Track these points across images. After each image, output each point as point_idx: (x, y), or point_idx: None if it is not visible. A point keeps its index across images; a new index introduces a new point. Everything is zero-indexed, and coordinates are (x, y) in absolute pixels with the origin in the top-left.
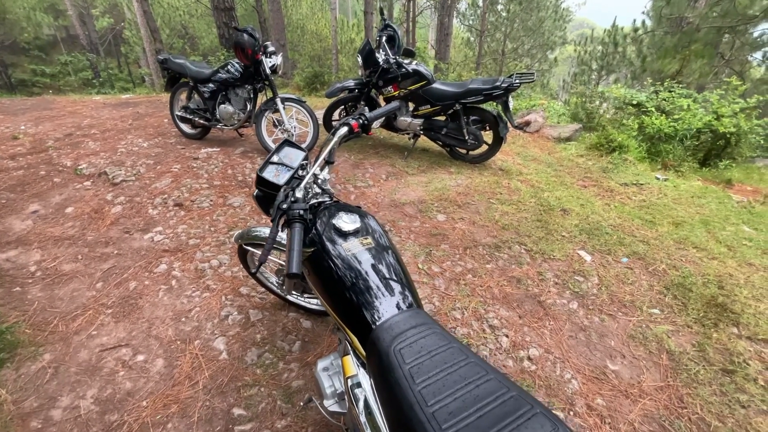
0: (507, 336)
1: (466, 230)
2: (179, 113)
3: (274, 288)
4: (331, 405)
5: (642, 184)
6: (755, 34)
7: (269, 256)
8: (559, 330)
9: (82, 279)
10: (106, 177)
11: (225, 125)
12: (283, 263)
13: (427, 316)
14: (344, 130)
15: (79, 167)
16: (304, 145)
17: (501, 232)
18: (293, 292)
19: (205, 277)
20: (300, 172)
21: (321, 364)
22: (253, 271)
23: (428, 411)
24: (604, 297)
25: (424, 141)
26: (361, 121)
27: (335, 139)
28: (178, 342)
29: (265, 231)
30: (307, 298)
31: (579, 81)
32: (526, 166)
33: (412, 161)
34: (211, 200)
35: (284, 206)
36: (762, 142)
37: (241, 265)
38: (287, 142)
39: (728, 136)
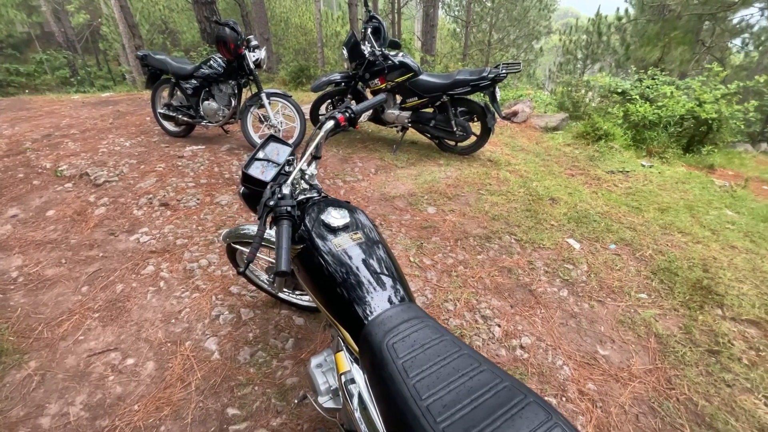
0: (499, 325)
1: (457, 222)
2: (162, 111)
3: (265, 286)
4: (325, 401)
5: (628, 172)
6: (734, 21)
7: (258, 254)
8: (550, 318)
9: (66, 283)
10: (88, 178)
11: (209, 122)
12: (273, 261)
13: (420, 309)
14: (331, 123)
15: (59, 169)
16: (291, 141)
17: (491, 223)
18: (284, 290)
19: (194, 277)
20: (286, 168)
21: (314, 361)
22: (242, 270)
23: (423, 405)
24: (593, 284)
25: (412, 134)
26: (347, 114)
27: (322, 133)
28: (169, 344)
29: (253, 229)
30: (299, 295)
31: (564, 70)
32: (515, 156)
33: (401, 154)
34: (198, 199)
35: (271, 203)
36: (742, 127)
37: (231, 264)
38: (272, 138)
39: (710, 122)
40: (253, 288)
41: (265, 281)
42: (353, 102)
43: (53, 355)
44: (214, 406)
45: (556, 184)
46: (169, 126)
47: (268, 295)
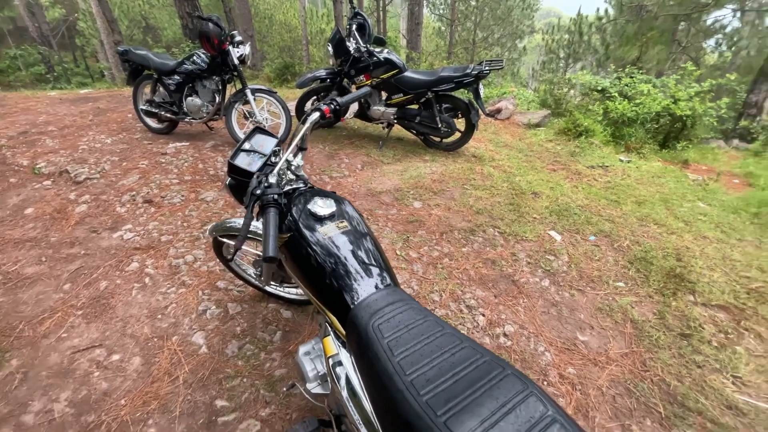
0: (483, 315)
1: (442, 216)
2: (144, 107)
3: (252, 280)
4: (314, 387)
5: (607, 166)
6: (708, 22)
7: (246, 248)
8: (532, 307)
9: (47, 281)
10: (68, 175)
11: (193, 118)
12: (260, 254)
13: (404, 293)
14: (316, 115)
15: (37, 166)
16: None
17: (475, 217)
18: (272, 283)
19: (180, 273)
20: (272, 159)
21: (302, 349)
22: (229, 258)
23: (407, 380)
24: (573, 274)
25: (398, 130)
26: (332, 106)
27: (308, 124)
28: (155, 339)
29: (239, 222)
30: (286, 288)
31: (548, 69)
32: (498, 152)
33: (387, 150)
34: (183, 195)
35: (258, 192)
36: (715, 123)
37: (217, 259)
38: (258, 129)
39: (684, 118)
40: (240, 283)
41: (253, 275)
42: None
43: (35, 353)
44: (203, 399)
45: (539, 178)
46: (152, 123)
47: (255, 289)
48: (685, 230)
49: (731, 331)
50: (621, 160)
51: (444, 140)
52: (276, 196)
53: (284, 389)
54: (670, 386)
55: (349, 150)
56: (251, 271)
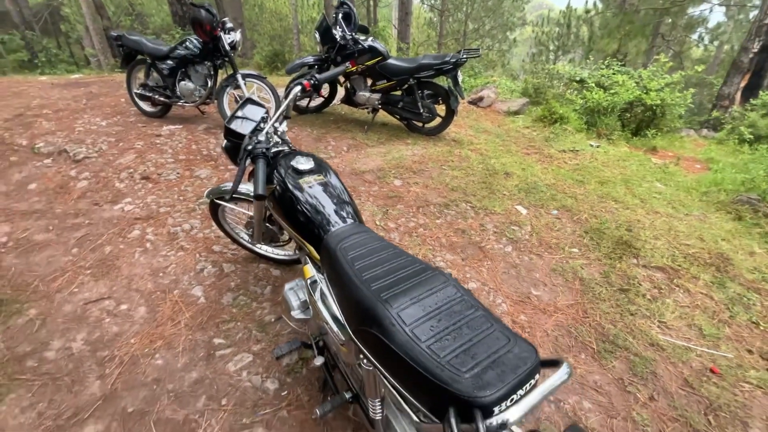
0: (451, 274)
1: (420, 192)
2: (138, 91)
3: (245, 242)
4: (297, 314)
5: (578, 151)
6: (694, 15)
7: (240, 209)
8: (494, 268)
9: (56, 246)
10: (67, 154)
11: (186, 102)
12: (251, 214)
13: (365, 226)
14: (298, 88)
15: (36, 146)
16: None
17: (450, 193)
18: (262, 243)
19: (178, 239)
20: (261, 125)
21: (287, 286)
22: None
23: (362, 278)
24: (534, 241)
25: (383, 116)
26: (312, 81)
27: (291, 95)
28: (158, 293)
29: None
30: (276, 248)
31: (537, 61)
32: (477, 137)
33: (372, 134)
34: (178, 173)
35: (249, 147)
36: (683, 112)
37: (213, 223)
38: (249, 100)
39: (654, 107)
40: (235, 246)
41: (245, 238)
42: (317, 71)
43: (51, 304)
44: (202, 338)
45: (512, 161)
46: (146, 106)
47: (248, 251)
48: (640, 206)
49: (664, 287)
50: (591, 146)
51: (426, 125)
52: (264, 150)
53: (272, 319)
54: (604, 329)
55: (335, 133)
56: (244, 234)
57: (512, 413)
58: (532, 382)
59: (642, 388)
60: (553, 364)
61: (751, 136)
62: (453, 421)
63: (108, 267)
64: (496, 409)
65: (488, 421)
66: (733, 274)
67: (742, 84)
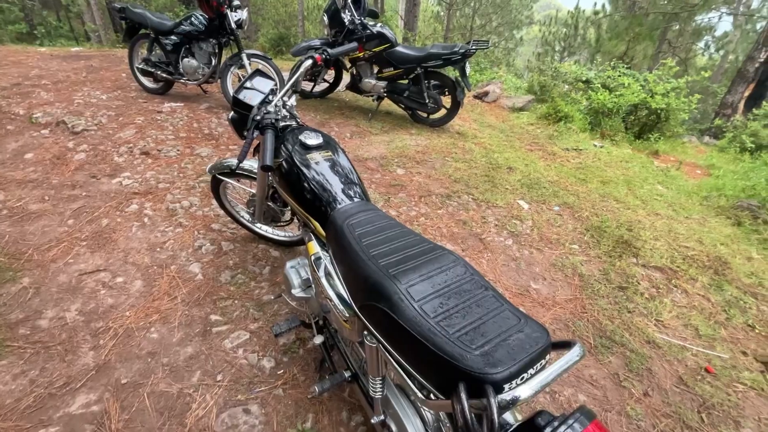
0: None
1: (422, 182)
2: (140, 66)
3: (246, 222)
4: (297, 292)
5: (581, 150)
6: (701, 23)
7: (241, 185)
8: (495, 260)
9: (51, 217)
10: (65, 126)
11: (189, 80)
12: (253, 192)
13: (372, 204)
14: (309, 62)
15: (34, 116)
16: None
17: (453, 185)
18: (263, 222)
19: (177, 215)
20: (270, 97)
21: (289, 264)
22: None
23: (370, 254)
24: (534, 236)
25: (387, 104)
26: (324, 55)
27: (301, 69)
28: (155, 267)
29: (236, 161)
30: (276, 229)
31: (542, 61)
32: (481, 131)
33: (376, 122)
34: (178, 150)
35: (258, 117)
36: (686, 118)
37: (214, 201)
38: (258, 72)
39: (659, 111)
40: (234, 225)
41: (246, 217)
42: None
43: (45, 273)
44: (199, 314)
45: (515, 156)
46: (147, 82)
47: (247, 231)
48: (641, 207)
49: (662, 287)
50: (594, 145)
51: (430, 116)
52: (273, 120)
53: (272, 297)
54: (602, 325)
55: (339, 120)
56: (244, 213)
57: (523, 390)
58: (543, 362)
59: (637, 384)
60: (565, 345)
61: (753, 145)
62: (463, 395)
63: (104, 240)
64: (507, 386)
65: (499, 397)
66: (731, 278)
67: (746, 93)
